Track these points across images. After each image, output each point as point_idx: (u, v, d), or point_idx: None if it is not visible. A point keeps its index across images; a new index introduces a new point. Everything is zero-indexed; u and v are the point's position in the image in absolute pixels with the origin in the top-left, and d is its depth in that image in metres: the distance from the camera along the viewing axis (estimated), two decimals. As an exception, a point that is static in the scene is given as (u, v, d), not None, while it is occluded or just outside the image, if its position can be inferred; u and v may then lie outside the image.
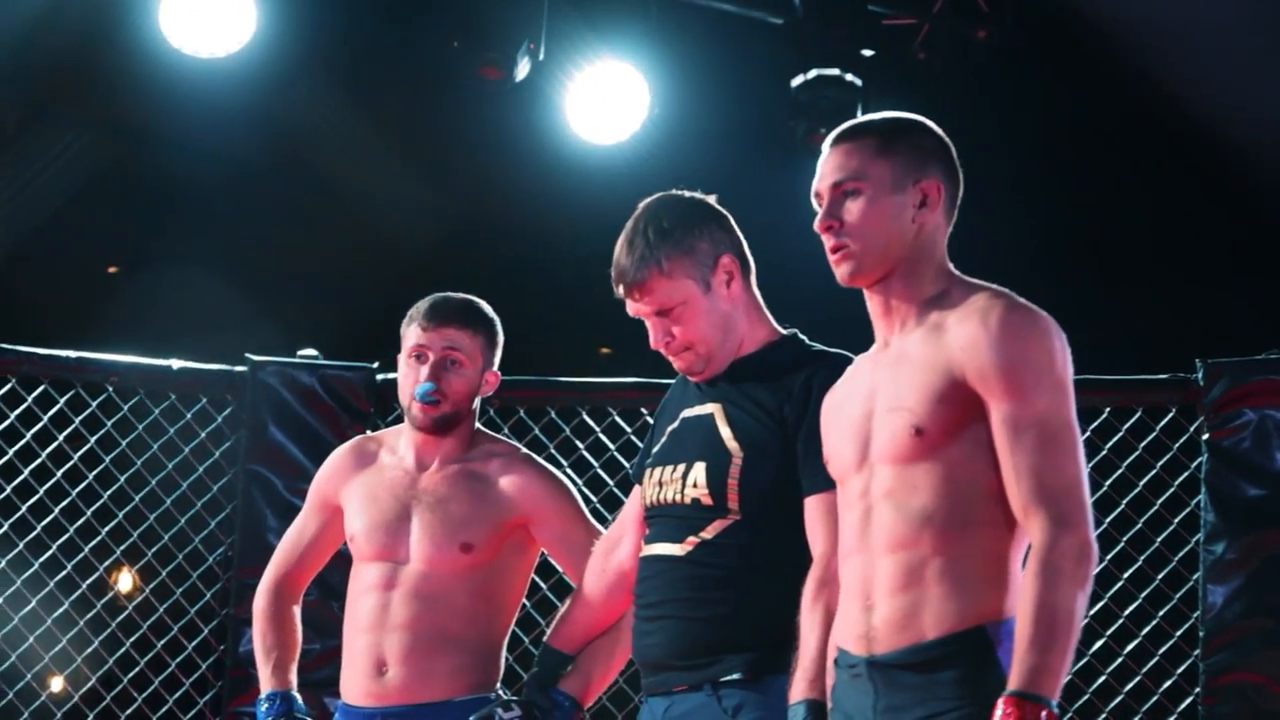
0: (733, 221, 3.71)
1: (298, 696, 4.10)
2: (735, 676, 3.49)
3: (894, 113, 3.27)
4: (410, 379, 4.10)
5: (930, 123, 3.24)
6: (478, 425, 4.21)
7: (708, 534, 3.56)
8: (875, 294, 3.18)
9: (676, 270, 3.61)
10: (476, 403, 4.16)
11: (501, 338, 4.17)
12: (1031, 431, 2.92)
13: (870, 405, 3.11)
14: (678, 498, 3.61)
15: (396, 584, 4.05)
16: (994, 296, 3.05)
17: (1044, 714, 2.79)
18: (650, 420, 3.89)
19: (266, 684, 4.11)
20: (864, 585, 3.05)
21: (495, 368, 4.16)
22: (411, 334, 4.11)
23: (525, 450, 4.22)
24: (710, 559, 3.55)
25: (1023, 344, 2.96)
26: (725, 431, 3.59)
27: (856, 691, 3.06)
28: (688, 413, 3.69)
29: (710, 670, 3.51)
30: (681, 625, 3.55)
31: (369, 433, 4.55)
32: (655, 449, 3.73)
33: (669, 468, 3.65)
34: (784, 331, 3.71)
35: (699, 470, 3.59)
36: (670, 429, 3.71)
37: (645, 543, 3.68)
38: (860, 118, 3.32)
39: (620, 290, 3.66)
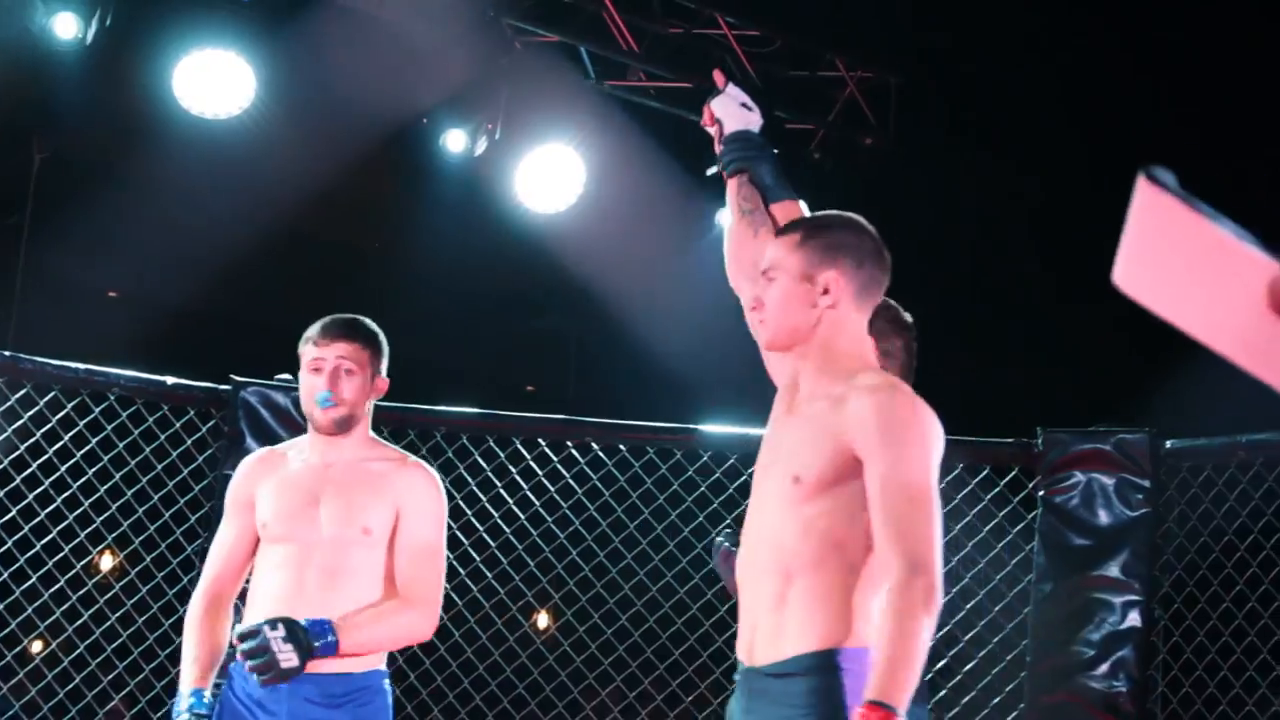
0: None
1: (205, 692, 4.02)
2: None
3: (832, 211, 3.31)
4: (310, 389, 4.18)
5: (859, 220, 3.25)
6: (373, 434, 4.27)
7: None
8: (791, 361, 3.26)
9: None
10: (369, 406, 4.20)
11: (386, 348, 4.22)
12: (899, 491, 3.01)
13: (775, 455, 3.22)
14: None
15: (308, 562, 4.06)
16: (886, 384, 3.14)
17: None
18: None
19: (184, 684, 4.05)
20: (752, 604, 3.17)
21: (383, 374, 4.22)
22: (308, 351, 4.18)
23: (415, 457, 4.28)
24: None
25: (902, 422, 3.07)
26: None
27: (735, 696, 3.19)
28: None
29: None
30: None
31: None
32: None
33: None
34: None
35: None
36: None
37: None
38: (802, 215, 3.38)
39: None
